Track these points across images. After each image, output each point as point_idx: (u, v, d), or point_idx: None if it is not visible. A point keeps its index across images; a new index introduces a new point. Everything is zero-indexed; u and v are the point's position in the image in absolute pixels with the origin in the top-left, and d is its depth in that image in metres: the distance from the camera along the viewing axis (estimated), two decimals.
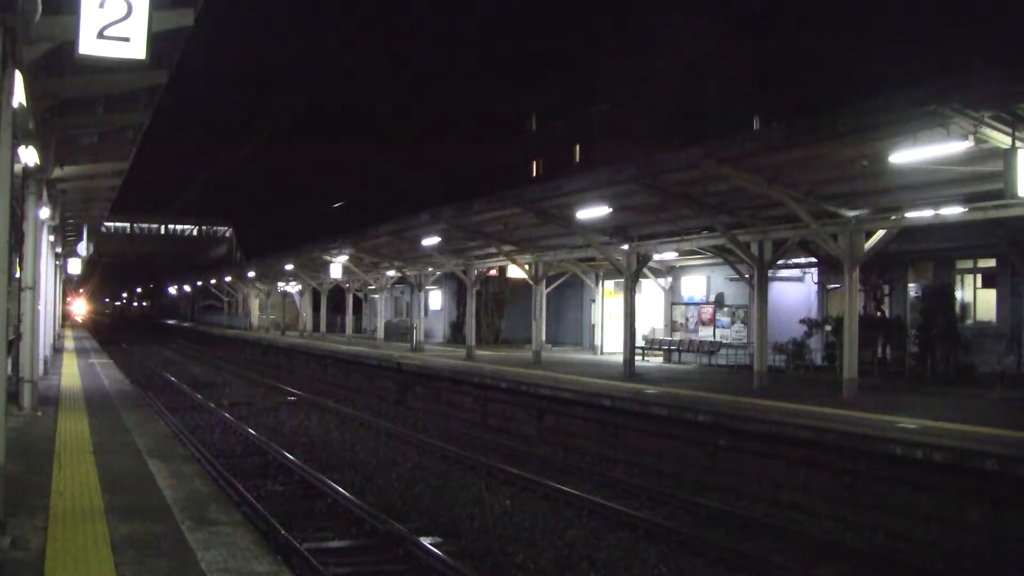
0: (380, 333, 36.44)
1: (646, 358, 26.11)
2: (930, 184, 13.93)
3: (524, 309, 30.86)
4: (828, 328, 21.55)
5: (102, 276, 77.63)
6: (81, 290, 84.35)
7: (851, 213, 15.42)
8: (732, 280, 24.08)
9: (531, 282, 25.68)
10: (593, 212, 18.42)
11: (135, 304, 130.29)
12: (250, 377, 31.45)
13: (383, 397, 24.92)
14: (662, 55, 39.61)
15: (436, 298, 39.94)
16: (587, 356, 28.44)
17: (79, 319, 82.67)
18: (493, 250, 26.47)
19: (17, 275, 12.97)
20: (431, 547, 8.99)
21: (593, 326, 30.67)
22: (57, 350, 29.36)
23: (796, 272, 23.34)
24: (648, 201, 17.57)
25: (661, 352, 26.37)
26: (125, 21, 6.36)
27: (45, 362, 19.97)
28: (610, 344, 28.15)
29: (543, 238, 23.90)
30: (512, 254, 25.58)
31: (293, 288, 49.84)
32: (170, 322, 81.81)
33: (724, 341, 24.68)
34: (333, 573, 8.44)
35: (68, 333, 48.51)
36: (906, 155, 11.86)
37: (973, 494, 9.89)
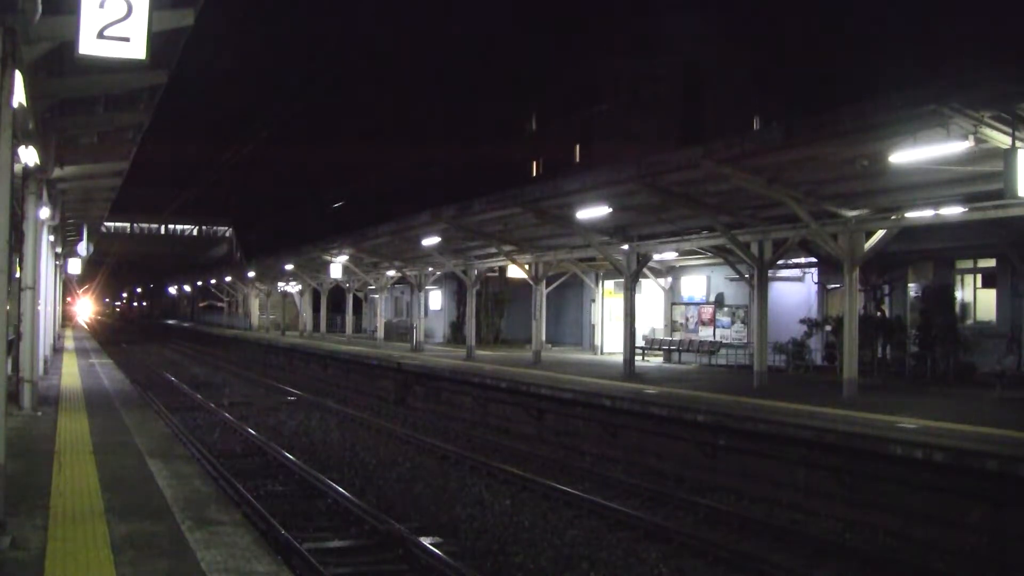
0: (380, 333, 36.45)
1: (646, 358, 26.10)
2: (930, 184, 13.93)
3: (524, 309, 30.86)
4: (828, 328, 21.54)
5: (104, 277, 77.58)
6: (84, 291, 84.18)
7: (851, 213, 15.42)
8: (732, 280, 24.08)
9: (531, 282, 25.67)
10: (593, 212, 18.42)
11: (135, 304, 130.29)
12: (250, 377, 31.46)
13: (383, 397, 24.93)
14: (662, 55, 39.59)
15: (436, 298, 39.93)
16: (587, 356, 28.44)
17: (83, 322, 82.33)
18: (493, 250, 26.47)
19: (17, 275, 12.97)
20: (431, 547, 9.00)
21: (593, 326, 30.66)
22: (57, 350, 29.36)
23: (796, 272, 23.33)
24: (648, 201, 17.56)
25: (661, 352, 26.36)
26: (125, 21, 6.36)
27: (45, 362, 19.97)
28: (610, 344, 28.15)
29: (543, 238, 23.90)
30: (512, 254, 25.58)
31: (293, 288, 49.84)
32: (170, 322, 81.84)
33: (724, 341, 24.67)
34: (333, 573, 8.45)
35: (68, 333, 48.51)
36: (906, 155, 11.86)
37: (973, 494, 9.88)
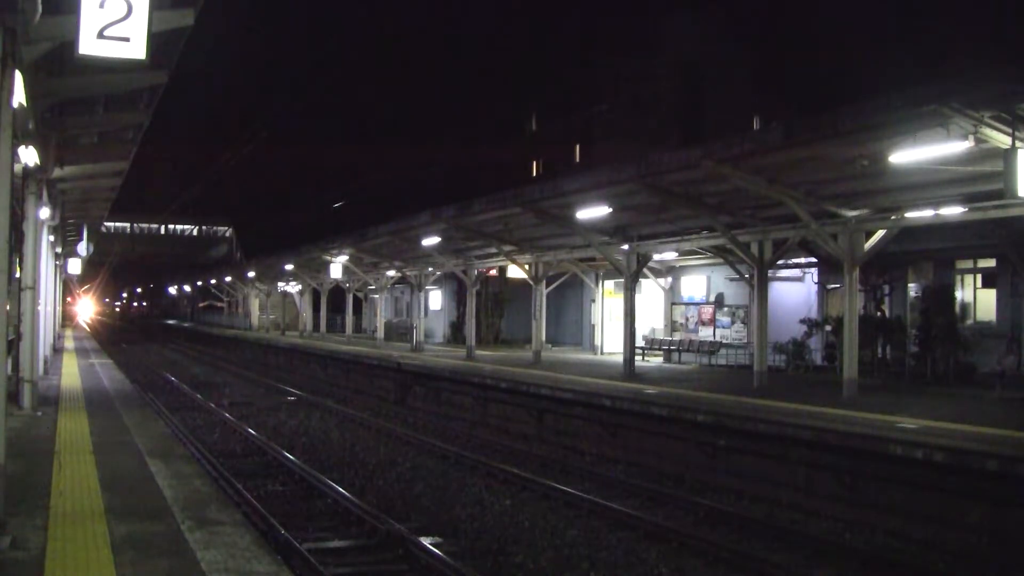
0: (380, 333, 36.44)
1: (646, 358, 26.11)
2: (930, 184, 13.93)
3: (524, 309, 30.87)
4: (828, 328, 21.54)
5: (104, 277, 77.68)
6: (84, 290, 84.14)
7: (851, 213, 15.42)
8: (732, 280, 24.08)
9: (531, 282, 25.68)
10: (593, 212, 18.42)
11: (135, 304, 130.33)
12: (250, 377, 31.45)
13: (383, 397, 24.93)
14: (662, 55, 39.59)
15: (436, 298, 39.93)
16: (587, 356, 28.44)
17: (84, 322, 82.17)
18: (493, 250, 26.48)
19: (17, 275, 12.96)
20: (431, 547, 9.00)
21: (593, 326, 30.67)
22: (57, 350, 29.36)
23: (796, 272, 23.33)
24: (648, 201, 17.57)
25: (661, 352, 26.36)
26: (125, 21, 6.36)
27: (45, 362, 19.96)
28: (610, 344, 28.15)
29: (543, 238, 23.90)
30: (512, 254, 25.59)
31: (293, 288, 49.84)
32: (170, 322, 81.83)
33: (724, 341, 24.68)
34: (333, 573, 8.45)
35: (68, 333, 48.52)
36: (906, 155, 11.87)
37: (973, 494, 9.89)
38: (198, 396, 23.70)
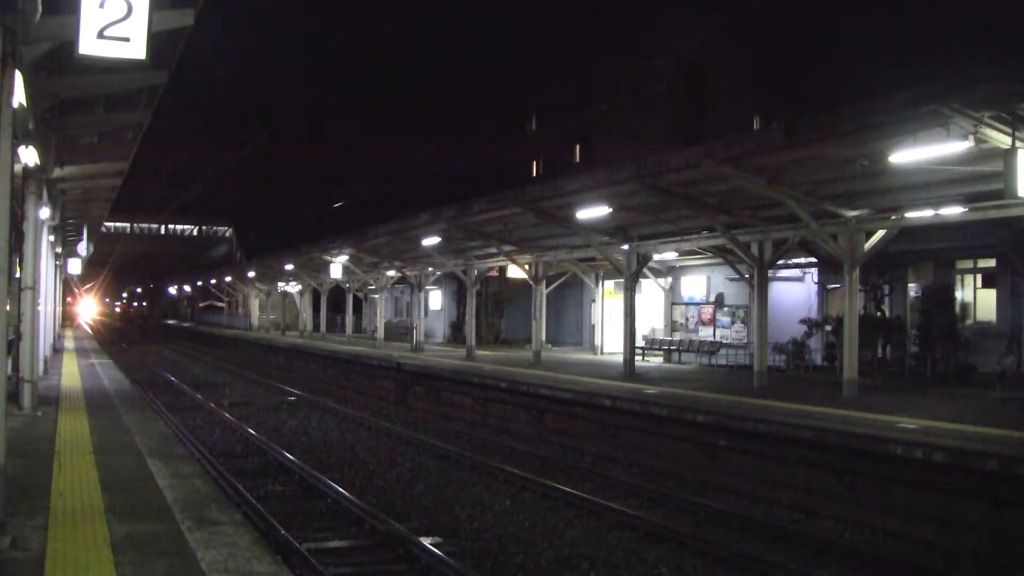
0: (380, 333, 36.45)
1: (646, 358, 26.10)
2: (930, 184, 13.93)
3: (524, 309, 30.87)
4: (828, 328, 21.54)
5: (106, 277, 77.62)
6: (86, 291, 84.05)
7: (851, 213, 15.42)
8: (732, 280, 24.07)
9: (531, 282, 25.68)
10: (593, 212, 18.42)
11: (135, 304, 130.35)
12: (250, 377, 31.46)
13: (383, 397, 24.93)
14: (662, 55, 39.59)
15: (436, 298, 39.93)
16: (587, 356, 28.44)
17: (85, 322, 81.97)
18: (493, 250, 26.48)
19: (17, 275, 12.96)
20: (431, 547, 9.00)
21: (593, 326, 30.66)
22: (57, 350, 29.36)
23: (796, 272, 23.33)
24: (648, 201, 17.56)
25: (661, 352, 26.36)
26: (125, 21, 6.36)
27: (45, 362, 19.96)
28: (610, 344, 28.15)
29: (543, 238, 23.90)
30: (512, 254, 25.58)
31: (293, 288, 49.84)
32: (170, 322, 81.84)
33: (724, 341, 24.68)
34: (333, 573, 8.45)
35: (68, 334, 48.52)
36: (906, 155, 11.86)
37: (973, 494, 9.89)
38: (198, 396, 23.71)
